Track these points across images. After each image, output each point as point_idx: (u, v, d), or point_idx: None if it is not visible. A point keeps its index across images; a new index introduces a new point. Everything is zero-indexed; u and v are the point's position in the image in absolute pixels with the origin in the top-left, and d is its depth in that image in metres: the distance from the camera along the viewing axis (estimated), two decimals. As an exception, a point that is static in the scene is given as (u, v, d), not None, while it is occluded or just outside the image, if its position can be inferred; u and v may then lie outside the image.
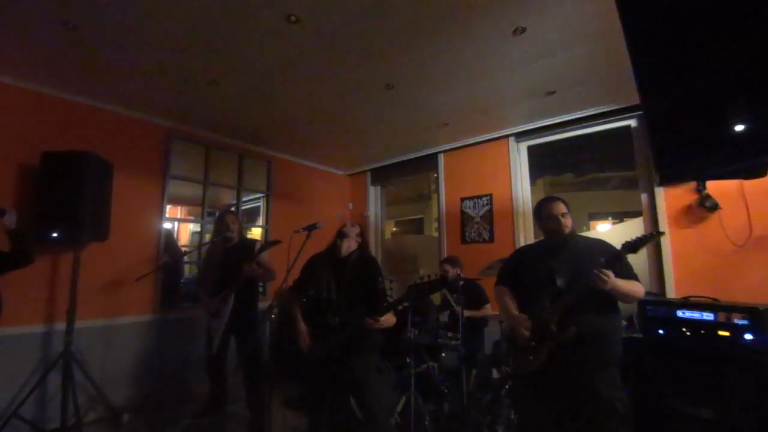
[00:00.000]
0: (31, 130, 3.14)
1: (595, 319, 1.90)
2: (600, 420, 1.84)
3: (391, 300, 2.28)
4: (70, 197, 2.87)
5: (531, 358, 1.97)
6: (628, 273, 1.96)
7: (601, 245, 2.07)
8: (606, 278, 1.82)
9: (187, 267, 5.67)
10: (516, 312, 2.10)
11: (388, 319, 2.17)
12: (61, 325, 3.03)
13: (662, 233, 1.94)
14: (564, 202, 2.13)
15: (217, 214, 3.60)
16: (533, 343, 1.97)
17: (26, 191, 3.02)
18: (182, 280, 4.91)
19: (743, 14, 0.74)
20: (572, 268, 1.95)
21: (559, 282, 1.96)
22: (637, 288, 1.94)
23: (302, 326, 2.33)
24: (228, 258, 3.12)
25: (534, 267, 2.13)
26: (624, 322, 2.86)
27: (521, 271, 2.20)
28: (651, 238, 1.89)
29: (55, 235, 2.84)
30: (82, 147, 3.01)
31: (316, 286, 2.36)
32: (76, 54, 2.74)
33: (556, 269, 1.99)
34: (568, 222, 2.08)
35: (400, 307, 2.24)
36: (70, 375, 2.88)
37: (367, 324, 2.12)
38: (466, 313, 3.24)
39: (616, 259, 1.90)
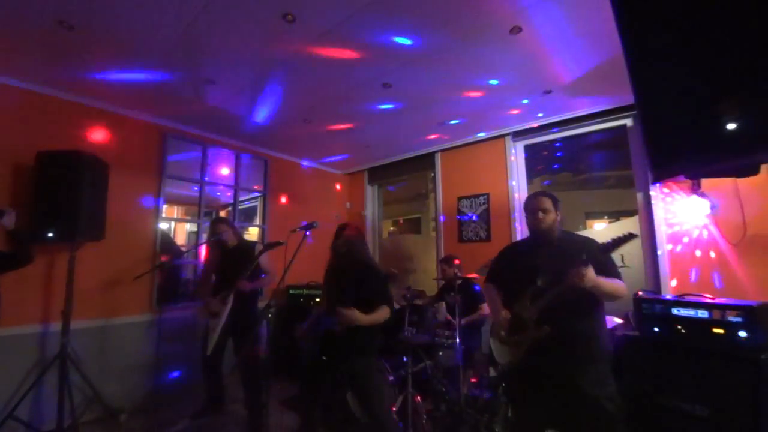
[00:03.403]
0: (26, 130, 3.12)
1: (575, 317, 1.90)
2: (588, 420, 1.83)
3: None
4: (65, 197, 2.85)
5: (510, 353, 2.02)
6: (613, 271, 1.93)
7: (585, 243, 2.02)
8: (584, 276, 1.75)
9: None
10: (501, 309, 2.10)
11: (353, 315, 2.16)
12: (57, 326, 3.01)
13: (636, 235, 1.87)
14: (550, 197, 2.09)
15: (212, 214, 3.60)
16: (513, 338, 2.01)
17: (21, 191, 3.00)
18: (180, 281, 4.89)
19: (736, 13, 0.75)
20: (553, 266, 1.91)
21: (540, 281, 1.94)
22: (619, 287, 1.90)
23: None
24: (227, 260, 3.13)
25: (517, 264, 2.13)
26: (620, 320, 2.89)
27: (507, 269, 2.21)
28: (625, 240, 1.80)
29: (50, 234, 2.82)
30: (77, 146, 2.99)
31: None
32: (72, 53, 2.72)
33: (538, 267, 1.97)
34: (548, 218, 2.03)
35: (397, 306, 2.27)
36: (66, 375, 2.86)
37: (337, 313, 2.16)
38: (463, 321, 3.26)
39: (598, 255, 1.84)
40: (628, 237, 1.81)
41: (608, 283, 1.85)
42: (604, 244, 1.85)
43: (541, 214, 2.04)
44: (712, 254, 3.00)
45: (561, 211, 2.10)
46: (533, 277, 1.97)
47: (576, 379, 1.85)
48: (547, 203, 2.06)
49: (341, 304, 2.20)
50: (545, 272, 1.95)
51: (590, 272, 1.77)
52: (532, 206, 2.09)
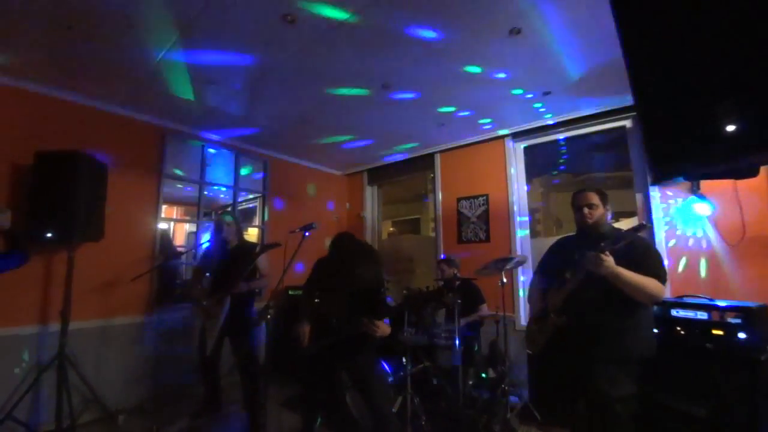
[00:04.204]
0: (25, 130, 3.11)
1: (600, 311, 1.88)
2: (594, 418, 1.85)
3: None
4: (63, 197, 2.84)
5: (534, 341, 2.13)
6: (649, 269, 1.83)
7: (622, 236, 1.87)
8: (601, 261, 1.73)
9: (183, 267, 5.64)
10: (539, 302, 2.17)
11: (383, 328, 2.18)
12: (55, 326, 3.01)
13: (646, 225, 1.87)
14: (596, 191, 2.07)
15: (213, 215, 3.59)
16: (537, 327, 2.10)
17: (20, 191, 2.99)
18: (178, 281, 4.88)
19: (735, 15, 0.75)
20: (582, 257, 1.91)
21: (568, 273, 1.95)
22: (649, 283, 1.79)
23: (306, 326, 2.40)
24: (227, 260, 3.11)
25: (559, 258, 2.15)
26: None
27: (550, 262, 2.24)
28: (636, 231, 1.81)
29: (48, 235, 2.81)
30: (76, 147, 2.99)
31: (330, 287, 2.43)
32: (71, 53, 2.72)
33: (571, 260, 1.96)
34: (595, 213, 2.02)
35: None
36: (64, 376, 2.86)
37: (364, 325, 2.14)
38: (462, 321, 3.26)
39: (614, 244, 1.78)
40: (639, 228, 1.81)
41: (631, 276, 1.77)
42: (614, 236, 1.83)
43: (587, 210, 2.03)
44: (711, 256, 3.00)
45: (610, 206, 2.08)
46: (565, 269, 1.99)
47: (592, 375, 1.85)
48: (594, 198, 2.04)
49: (357, 313, 2.24)
50: (576, 264, 1.93)
51: (607, 259, 1.74)
52: (578, 202, 2.08)
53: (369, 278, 2.33)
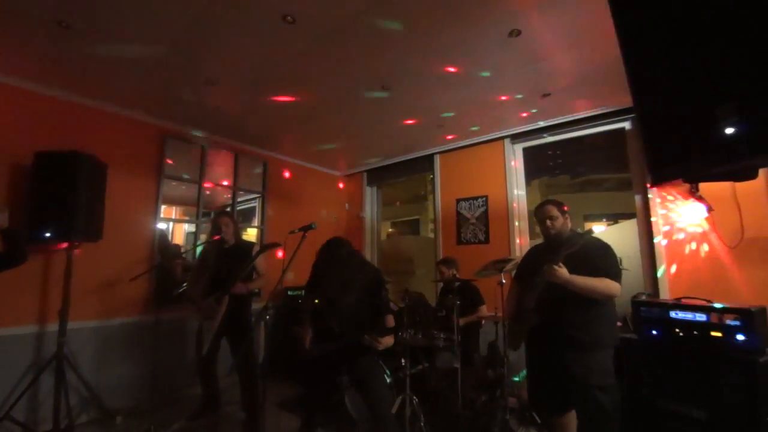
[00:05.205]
0: (24, 130, 3.11)
1: (564, 308, 2.09)
2: (579, 407, 2.04)
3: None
4: (63, 197, 2.84)
5: (514, 340, 2.40)
6: (600, 269, 2.07)
7: (577, 240, 2.12)
8: (554, 272, 2.00)
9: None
10: (515, 305, 2.41)
11: (387, 341, 2.22)
12: (53, 326, 3.00)
13: (591, 232, 2.17)
14: (555, 204, 2.30)
15: (212, 215, 3.58)
16: (516, 327, 2.37)
17: (19, 191, 2.99)
18: (176, 281, 4.86)
19: (734, 17, 0.75)
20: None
21: (537, 277, 2.16)
22: (599, 284, 2.03)
23: (307, 329, 2.42)
24: (224, 260, 3.10)
25: (531, 264, 2.34)
26: (619, 323, 2.89)
27: (525, 268, 2.46)
28: (572, 246, 2.03)
29: (47, 234, 2.82)
30: (76, 146, 2.98)
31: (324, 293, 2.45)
32: (71, 53, 2.72)
33: (540, 265, 2.15)
34: (556, 224, 2.26)
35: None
36: (62, 376, 2.85)
37: (366, 341, 2.17)
38: (462, 321, 3.26)
39: (568, 251, 2.02)
40: (587, 233, 2.13)
41: (582, 281, 2.02)
42: (570, 242, 2.07)
43: (549, 222, 2.27)
44: (710, 257, 3.00)
45: (569, 214, 2.31)
46: (535, 274, 2.20)
47: (567, 362, 2.04)
48: (553, 211, 2.27)
49: (359, 320, 2.30)
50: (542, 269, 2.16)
51: (560, 270, 2.00)
52: (540, 216, 2.31)
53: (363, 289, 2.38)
